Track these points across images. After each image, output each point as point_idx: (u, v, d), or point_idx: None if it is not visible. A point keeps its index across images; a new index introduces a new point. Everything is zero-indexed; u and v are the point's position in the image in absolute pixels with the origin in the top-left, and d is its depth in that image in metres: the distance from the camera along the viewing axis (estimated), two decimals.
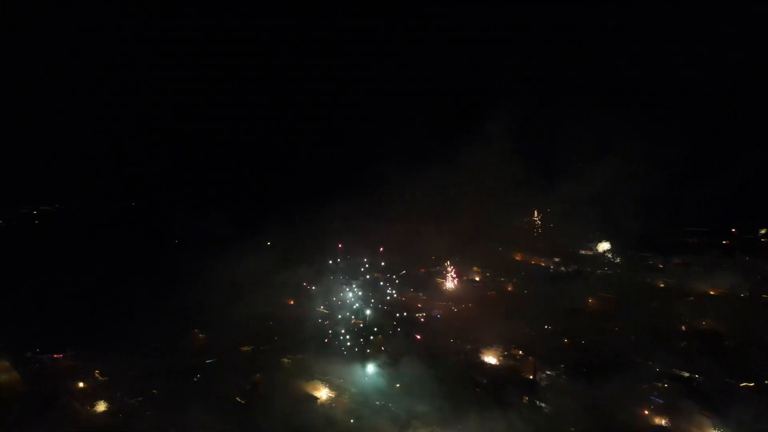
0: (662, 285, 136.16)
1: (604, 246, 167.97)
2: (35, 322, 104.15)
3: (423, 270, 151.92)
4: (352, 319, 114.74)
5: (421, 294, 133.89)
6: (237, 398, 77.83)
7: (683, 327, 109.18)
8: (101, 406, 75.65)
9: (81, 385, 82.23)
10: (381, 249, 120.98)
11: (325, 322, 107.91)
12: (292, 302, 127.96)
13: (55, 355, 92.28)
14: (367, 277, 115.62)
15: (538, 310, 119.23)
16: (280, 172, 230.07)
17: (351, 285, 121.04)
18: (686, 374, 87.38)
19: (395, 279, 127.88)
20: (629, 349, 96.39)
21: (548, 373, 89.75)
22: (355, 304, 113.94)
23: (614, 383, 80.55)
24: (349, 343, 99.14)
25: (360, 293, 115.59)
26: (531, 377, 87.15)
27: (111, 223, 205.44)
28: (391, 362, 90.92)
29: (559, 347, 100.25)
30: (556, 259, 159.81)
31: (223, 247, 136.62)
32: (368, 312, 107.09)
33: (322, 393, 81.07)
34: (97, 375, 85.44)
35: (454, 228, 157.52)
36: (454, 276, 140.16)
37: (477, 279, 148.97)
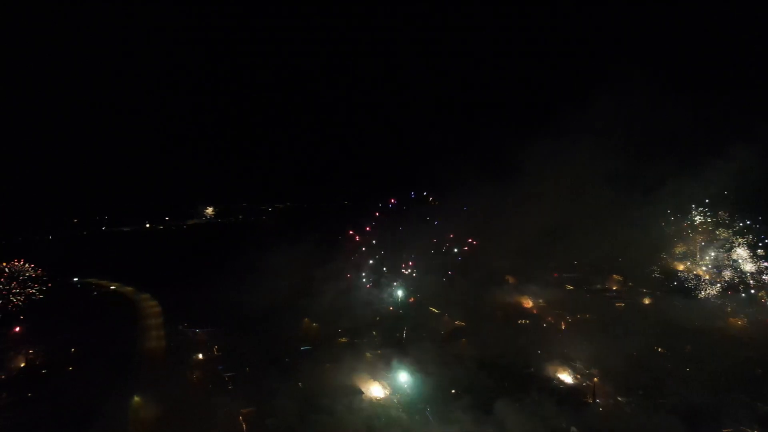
0: None
1: None
2: (193, 302, 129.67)
3: (555, 275, 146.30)
4: (456, 322, 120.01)
5: (541, 301, 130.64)
6: (299, 383, 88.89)
7: None
8: (203, 376, 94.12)
9: (200, 356, 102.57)
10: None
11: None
12: (412, 300, 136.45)
13: (197, 330, 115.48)
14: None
15: (658, 328, 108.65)
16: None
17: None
18: None
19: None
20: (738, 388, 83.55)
21: (619, 399, 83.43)
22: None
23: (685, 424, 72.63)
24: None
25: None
26: (591, 401, 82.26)
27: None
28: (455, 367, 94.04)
29: (654, 372, 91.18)
30: (722, 272, 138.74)
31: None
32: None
33: (374, 390, 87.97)
34: (214, 350, 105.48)
35: (601, 232, 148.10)
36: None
37: (614, 288, 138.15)
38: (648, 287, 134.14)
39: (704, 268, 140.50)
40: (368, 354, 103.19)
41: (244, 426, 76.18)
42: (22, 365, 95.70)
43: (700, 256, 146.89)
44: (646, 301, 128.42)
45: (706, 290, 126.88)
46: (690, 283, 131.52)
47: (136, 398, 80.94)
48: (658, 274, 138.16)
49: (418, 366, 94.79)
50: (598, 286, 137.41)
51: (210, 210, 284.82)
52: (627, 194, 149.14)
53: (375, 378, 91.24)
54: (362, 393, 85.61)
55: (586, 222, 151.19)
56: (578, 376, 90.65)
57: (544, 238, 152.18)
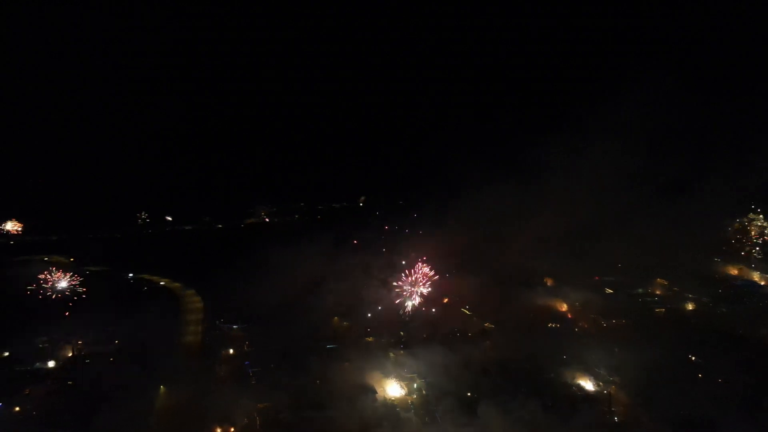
0: None
1: None
2: (235, 299, 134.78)
3: (597, 277, 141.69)
4: (486, 324, 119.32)
5: (577, 304, 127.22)
6: (317, 381, 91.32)
7: None
8: (230, 371, 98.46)
9: (231, 351, 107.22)
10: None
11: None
12: (446, 300, 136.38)
13: (233, 326, 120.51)
14: None
15: (697, 335, 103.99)
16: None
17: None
18: None
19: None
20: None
21: (638, 408, 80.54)
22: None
23: None
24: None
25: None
26: (605, 409, 79.91)
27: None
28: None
29: (682, 382, 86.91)
30: None
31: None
32: None
33: (390, 389, 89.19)
34: (245, 346, 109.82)
35: (648, 234, 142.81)
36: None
37: (657, 293, 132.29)
38: (694, 292, 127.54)
39: (759, 274, 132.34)
40: (392, 353, 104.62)
41: (258, 420, 79.32)
42: (70, 354, 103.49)
43: (755, 261, 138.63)
44: (690, 306, 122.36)
45: (756, 297, 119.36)
46: (740, 289, 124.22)
47: (162, 388, 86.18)
48: (706, 278, 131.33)
49: (438, 367, 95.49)
50: (640, 290, 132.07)
51: (266, 210, 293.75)
52: (677, 194, 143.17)
53: (393, 378, 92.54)
54: (376, 392, 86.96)
55: (632, 223, 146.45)
56: (600, 384, 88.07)
57: (588, 239, 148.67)
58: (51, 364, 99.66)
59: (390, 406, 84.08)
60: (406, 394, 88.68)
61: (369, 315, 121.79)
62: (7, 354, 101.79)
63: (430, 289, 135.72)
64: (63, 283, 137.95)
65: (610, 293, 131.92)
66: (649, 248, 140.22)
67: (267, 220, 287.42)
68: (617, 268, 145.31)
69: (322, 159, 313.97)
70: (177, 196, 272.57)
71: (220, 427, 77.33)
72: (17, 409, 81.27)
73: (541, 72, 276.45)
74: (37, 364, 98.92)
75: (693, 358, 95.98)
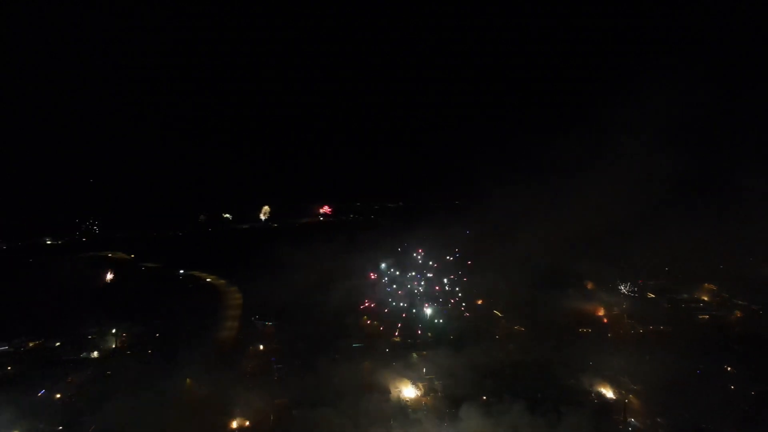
0: None
1: None
2: (274, 296, 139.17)
3: (641, 281, 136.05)
4: (516, 327, 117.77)
5: (615, 309, 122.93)
6: (335, 379, 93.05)
7: None
8: (256, 367, 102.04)
9: (261, 347, 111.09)
10: None
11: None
12: (480, 301, 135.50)
13: (267, 323, 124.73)
14: None
15: (739, 345, 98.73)
16: None
17: None
18: None
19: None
20: None
21: (658, 420, 77.25)
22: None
23: None
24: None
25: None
26: (622, 419, 77.20)
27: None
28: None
29: (711, 394, 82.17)
30: None
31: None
32: None
33: (406, 391, 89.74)
34: (275, 342, 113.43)
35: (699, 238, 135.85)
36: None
37: (703, 299, 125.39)
38: (744, 299, 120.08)
39: None
40: (415, 354, 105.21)
41: (272, 415, 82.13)
42: (113, 346, 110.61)
43: None
44: (737, 314, 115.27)
45: None
46: None
47: (188, 381, 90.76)
48: (758, 284, 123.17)
49: (459, 369, 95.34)
50: (685, 296, 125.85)
51: (323, 209, 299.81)
52: (729, 194, 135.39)
53: (411, 378, 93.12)
54: (389, 393, 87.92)
55: (682, 227, 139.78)
56: (622, 392, 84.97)
57: (632, 241, 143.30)
58: (95, 354, 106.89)
59: (402, 406, 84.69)
60: (421, 395, 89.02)
61: (404, 315, 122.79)
62: (58, 344, 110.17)
63: (463, 290, 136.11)
64: (118, 278, 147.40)
65: (652, 298, 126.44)
66: (697, 251, 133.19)
67: (322, 219, 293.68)
68: (664, 271, 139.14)
69: (382, 159, 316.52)
70: (239, 196, 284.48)
71: (235, 420, 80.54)
72: (58, 395, 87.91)
73: (577, 71, 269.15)
74: (83, 354, 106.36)
75: (729, 368, 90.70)
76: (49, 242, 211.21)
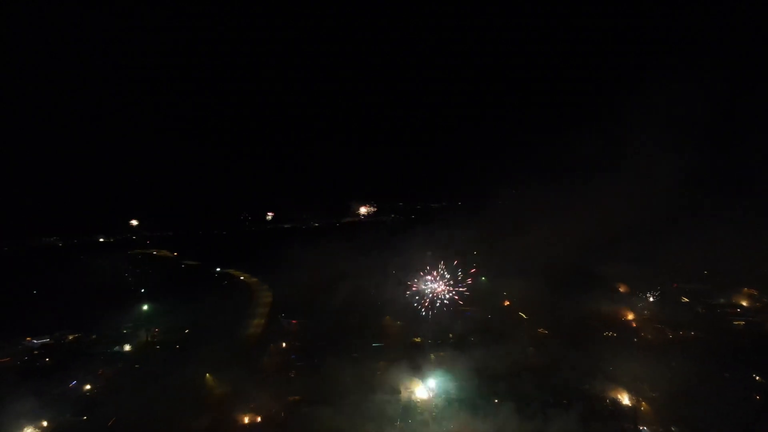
0: None
1: None
2: (303, 295, 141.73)
3: (675, 285, 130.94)
4: (539, 329, 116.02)
5: (646, 312, 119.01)
6: (349, 378, 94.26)
7: None
8: (276, 364, 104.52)
9: (284, 345, 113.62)
10: None
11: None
12: (506, 303, 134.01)
13: (292, 321, 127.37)
14: None
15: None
16: None
17: None
18: None
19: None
20: None
21: (672, 429, 74.66)
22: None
23: None
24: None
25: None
26: (633, 427, 75.01)
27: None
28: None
29: (733, 404, 78.70)
30: None
31: None
32: None
33: (418, 391, 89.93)
34: (297, 340, 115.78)
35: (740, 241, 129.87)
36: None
37: (741, 304, 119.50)
38: None
39: None
40: (432, 355, 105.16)
41: (283, 411, 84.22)
42: (145, 340, 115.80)
43: None
44: None
45: None
46: None
47: (208, 376, 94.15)
48: None
49: (474, 371, 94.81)
50: (722, 300, 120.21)
51: (363, 209, 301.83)
52: None
53: (423, 380, 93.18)
54: (399, 393, 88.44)
55: (722, 228, 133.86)
56: (638, 399, 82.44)
57: (671, 244, 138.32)
58: (127, 348, 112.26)
59: (410, 407, 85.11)
60: (433, 396, 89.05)
61: (430, 315, 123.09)
62: (94, 336, 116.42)
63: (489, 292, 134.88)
64: (159, 275, 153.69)
65: (686, 302, 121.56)
66: (738, 254, 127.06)
67: (362, 218, 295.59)
68: (702, 275, 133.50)
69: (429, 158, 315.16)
70: (282, 195, 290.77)
71: (247, 415, 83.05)
72: (88, 386, 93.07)
73: (604, 72, 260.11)
74: (116, 347, 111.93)
75: (757, 377, 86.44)
76: (101, 240, 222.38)
